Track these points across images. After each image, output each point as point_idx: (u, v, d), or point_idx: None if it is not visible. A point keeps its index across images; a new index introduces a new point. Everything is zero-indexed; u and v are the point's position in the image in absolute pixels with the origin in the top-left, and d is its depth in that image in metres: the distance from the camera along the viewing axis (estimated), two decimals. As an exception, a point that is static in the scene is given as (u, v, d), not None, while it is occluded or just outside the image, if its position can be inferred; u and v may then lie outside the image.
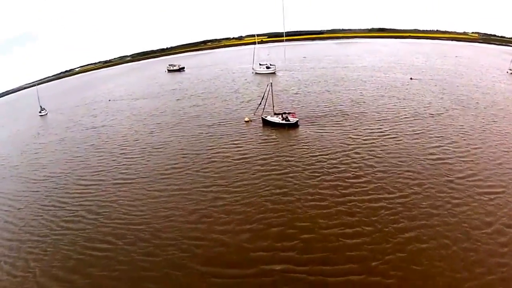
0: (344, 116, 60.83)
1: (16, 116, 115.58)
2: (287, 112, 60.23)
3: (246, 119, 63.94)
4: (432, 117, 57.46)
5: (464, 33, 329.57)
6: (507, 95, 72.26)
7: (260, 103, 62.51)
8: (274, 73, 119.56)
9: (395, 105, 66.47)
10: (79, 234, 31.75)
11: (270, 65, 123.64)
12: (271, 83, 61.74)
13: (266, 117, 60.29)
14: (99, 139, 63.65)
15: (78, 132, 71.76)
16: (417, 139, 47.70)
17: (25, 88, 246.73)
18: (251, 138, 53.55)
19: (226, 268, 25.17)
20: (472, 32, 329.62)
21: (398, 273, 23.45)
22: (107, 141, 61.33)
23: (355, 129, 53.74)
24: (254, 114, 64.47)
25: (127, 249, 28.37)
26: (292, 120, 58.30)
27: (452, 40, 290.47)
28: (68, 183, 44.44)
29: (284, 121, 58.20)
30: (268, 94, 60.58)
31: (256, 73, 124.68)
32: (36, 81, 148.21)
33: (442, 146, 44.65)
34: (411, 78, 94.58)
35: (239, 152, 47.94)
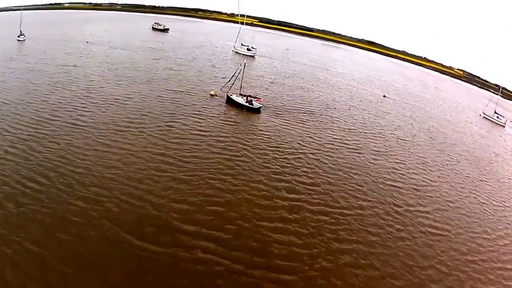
0: (311, 116, 62.40)
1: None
2: (252, 95, 61.71)
3: (212, 92, 65.19)
4: (397, 140, 59.01)
5: (450, 68, 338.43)
6: (475, 138, 76.77)
7: (229, 80, 63.93)
8: (253, 56, 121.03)
9: (363, 118, 68.78)
10: (20, 163, 31.74)
11: (252, 47, 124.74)
12: (245, 63, 63.29)
13: (231, 95, 61.51)
14: (66, 78, 63.03)
15: (49, 66, 70.72)
16: (377, 158, 48.22)
17: (9, 10, 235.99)
18: (213, 114, 54.36)
19: (144, 241, 24.01)
20: (458, 69, 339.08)
21: (318, 282, 23.26)
22: (73, 82, 60.74)
23: (319, 131, 54.77)
24: (221, 90, 65.84)
25: (62, 189, 28.42)
26: (256, 105, 59.52)
27: (436, 71, 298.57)
28: (23, 113, 43.87)
29: (247, 104, 59.51)
30: (239, 73, 61.95)
31: (236, 52, 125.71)
32: (22, 6, 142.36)
33: (400, 171, 44.94)
34: (384, 96, 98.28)
35: (198, 124, 48.67)
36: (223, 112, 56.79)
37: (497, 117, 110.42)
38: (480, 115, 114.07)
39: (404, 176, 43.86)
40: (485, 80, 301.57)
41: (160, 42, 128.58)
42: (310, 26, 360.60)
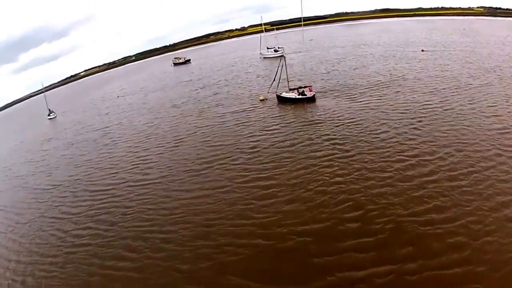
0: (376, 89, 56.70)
1: (25, 122, 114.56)
2: (302, 86, 57.31)
3: (261, 97, 61.19)
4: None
5: (469, 8, 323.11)
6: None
7: (274, 80, 59.87)
8: (283, 56, 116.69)
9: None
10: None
11: (278, 48, 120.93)
12: (284, 57, 59.30)
13: (281, 93, 57.40)
14: (110, 139, 57.78)
15: (89, 133, 66.41)
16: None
17: (32, 96, 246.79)
18: (271, 115, 51.07)
19: None
20: (477, 7, 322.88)
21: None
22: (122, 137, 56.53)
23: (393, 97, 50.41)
24: (268, 93, 61.90)
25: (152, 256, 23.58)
26: (309, 94, 55.52)
27: (458, 15, 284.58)
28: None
29: (300, 96, 55.36)
30: (281, 71, 58.03)
31: (264, 57, 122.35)
32: (43, 88, 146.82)
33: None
34: (422, 50, 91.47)
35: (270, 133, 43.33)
36: (279, 111, 52.96)
37: None
38: None
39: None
40: (507, 9, 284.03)
41: (187, 73, 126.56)
42: (322, 14, 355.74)
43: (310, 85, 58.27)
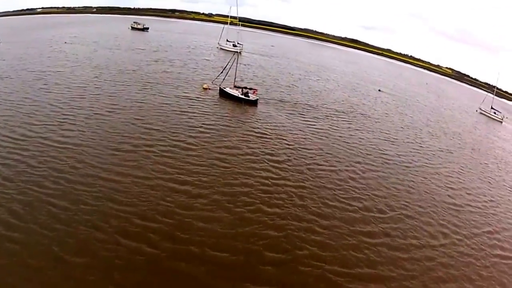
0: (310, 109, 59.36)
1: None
2: (248, 87, 58.20)
3: (205, 86, 61.80)
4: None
5: (438, 66, 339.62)
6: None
7: (221, 72, 60.11)
8: (239, 52, 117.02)
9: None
10: None
11: (238, 43, 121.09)
12: (238, 52, 59.76)
13: (225, 88, 58.04)
14: (43, 85, 53.43)
15: (23, 72, 60.40)
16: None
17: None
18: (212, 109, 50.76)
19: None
20: (446, 67, 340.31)
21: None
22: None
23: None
24: (212, 83, 62.02)
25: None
26: (253, 97, 56.29)
27: (425, 68, 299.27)
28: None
29: (243, 96, 56.06)
30: (231, 66, 58.29)
31: (221, 48, 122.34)
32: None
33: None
34: (379, 90, 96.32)
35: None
36: (220, 107, 52.98)
37: (494, 113, 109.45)
38: (476, 110, 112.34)
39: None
40: (474, 79, 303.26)
41: (144, 41, 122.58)
42: (292, 25, 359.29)
43: (256, 88, 59.21)
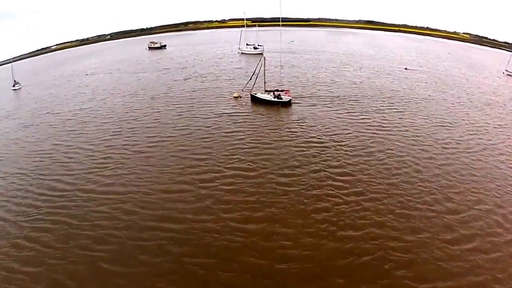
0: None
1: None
2: (280, 89, 56.45)
3: (235, 94, 60.31)
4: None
5: (455, 33, 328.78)
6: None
7: (250, 79, 58.47)
8: (261, 54, 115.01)
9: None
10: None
11: (258, 45, 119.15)
12: (264, 57, 57.94)
13: (256, 93, 56.41)
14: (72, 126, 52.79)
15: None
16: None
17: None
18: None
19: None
20: (463, 33, 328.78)
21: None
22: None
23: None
24: (242, 91, 60.46)
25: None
26: (285, 98, 54.74)
27: (443, 37, 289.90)
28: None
29: (275, 99, 54.61)
30: (259, 70, 56.59)
31: (242, 53, 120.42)
32: (11, 58, 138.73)
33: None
34: (405, 68, 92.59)
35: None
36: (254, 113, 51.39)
37: None
38: (503, 73, 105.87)
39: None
40: (493, 40, 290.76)
41: (166, 59, 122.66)
42: (306, 17, 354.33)
43: (288, 89, 57.56)
